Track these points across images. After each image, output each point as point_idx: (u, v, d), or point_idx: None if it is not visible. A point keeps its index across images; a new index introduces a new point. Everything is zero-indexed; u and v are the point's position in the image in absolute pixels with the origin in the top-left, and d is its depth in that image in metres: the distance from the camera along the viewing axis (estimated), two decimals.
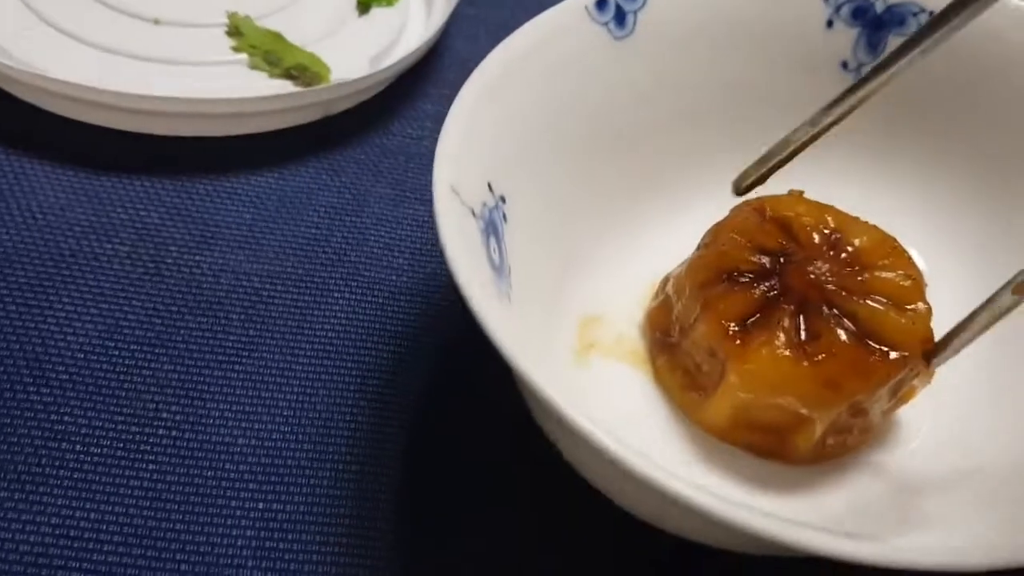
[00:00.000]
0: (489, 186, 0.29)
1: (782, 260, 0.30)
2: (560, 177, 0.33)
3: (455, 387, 0.33)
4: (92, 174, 0.37)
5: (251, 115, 0.38)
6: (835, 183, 0.35)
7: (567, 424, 0.22)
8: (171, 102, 0.36)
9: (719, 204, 0.37)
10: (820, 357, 0.28)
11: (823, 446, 0.30)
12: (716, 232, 0.32)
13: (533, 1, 0.49)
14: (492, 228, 0.28)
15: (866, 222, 0.32)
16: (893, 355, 0.28)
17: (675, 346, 0.31)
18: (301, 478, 0.30)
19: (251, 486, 0.30)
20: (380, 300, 0.35)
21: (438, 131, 0.41)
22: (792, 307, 0.29)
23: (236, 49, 0.40)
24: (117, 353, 0.32)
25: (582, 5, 0.33)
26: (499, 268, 0.28)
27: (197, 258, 0.35)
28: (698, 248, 0.32)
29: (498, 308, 0.24)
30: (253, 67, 0.40)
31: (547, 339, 0.32)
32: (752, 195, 0.33)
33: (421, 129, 0.42)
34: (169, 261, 0.35)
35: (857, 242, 0.31)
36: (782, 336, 0.28)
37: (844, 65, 0.36)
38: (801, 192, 0.33)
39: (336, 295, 0.35)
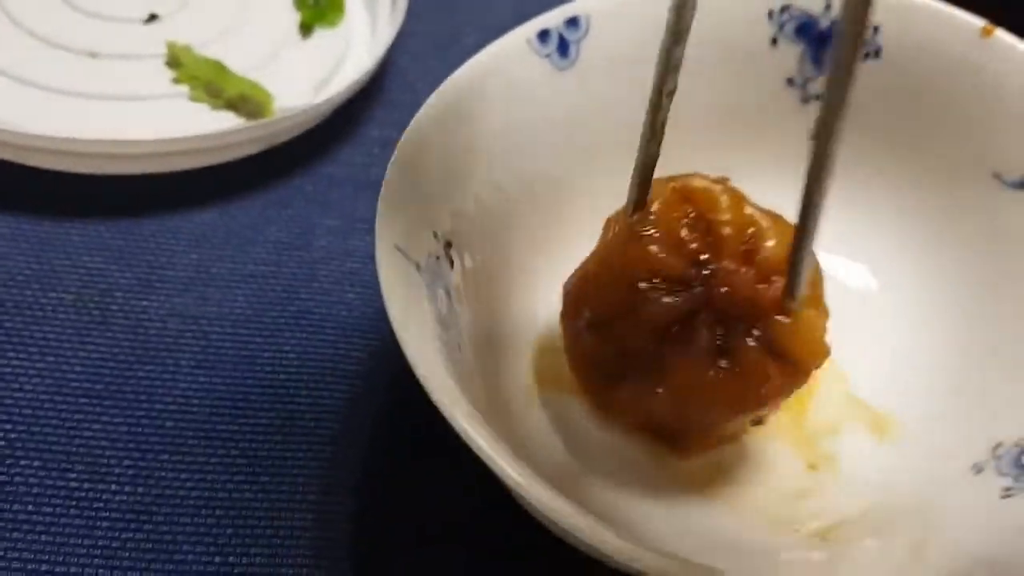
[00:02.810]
0: (434, 234, 0.29)
1: (705, 270, 0.29)
2: (507, 211, 0.33)
3: (410, 425, 0.33)
4: (31, 219, 0.36)
5: (194, 152, 0.37)
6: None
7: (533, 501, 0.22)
8: (112, 144, 0.35)
9: None
10: (734, 371, 0.28)
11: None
12: (637, 222, 0.31)
13: (479, 14, 0.49)
14: (438, 278, 0.28)
15: (776, 218, 0.31)
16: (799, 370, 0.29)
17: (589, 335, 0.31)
18: (257, 528, 0.30)
19: (207, 539, 0.30)
20: (332, 338, 0.35)
21: (385, 157, 0.40)
22: (710, 319, 0.29)
23: (176, 81, 0.39)
24: (66, 407, 0.32)
25: (524, 38, 0.32)
26: (446, 319, 0.28)
27: (144, 303, 0.35)
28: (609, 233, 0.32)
29: (448, 381, 0.24)
30: (194, 99, 0.39)
31: (502, 379, 0.32)
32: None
33: (368, 156, 0.41)
34: (115, 308, 0.34)
35: (770, 246, 0.30)
36: (702, 350, 0.28)
37: (790, 82, 0.37)
38: (725, 179, 0.32)
39: (287, 335, 0.35)
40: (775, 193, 0.37)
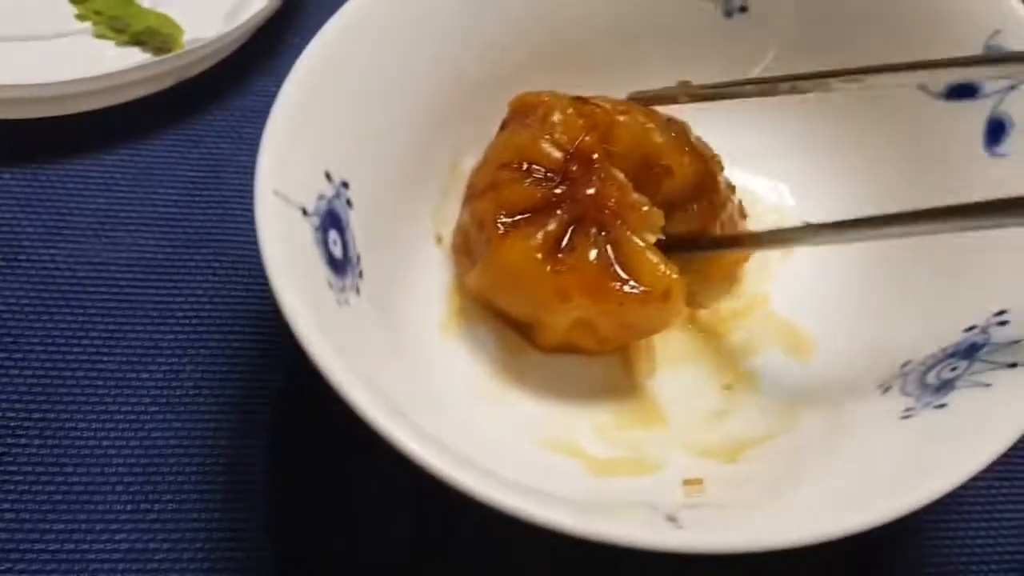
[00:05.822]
0: (327, 175, 0.28)
1: (583, 165, 0.30)
2: (412, 143, 0.32)
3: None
4: None
5: (101, 92, 0.36)
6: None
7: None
8: (13, 88, 0.34)
9: None
10: (563, 268, 0.29)
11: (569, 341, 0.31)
12: (533, 107, 0.32)
13: None
14: (332, 220, 0.27)
15: (700, 152, 0.32)
16: (629, 289, 0.29)
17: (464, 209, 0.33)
18: (169, 475, 0.30)
19: (118, 488, 0.30)
20: (245, 280, 0.34)
21: None
22: (566, 216, 0.30)
23: (80, 17, 0.38)
24: None
25: None
26: (342, 262, 0.27)
27: (52, 251, 0.34)
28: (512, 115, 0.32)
29: (324, 335, 0.24)
30: (99, 36, 0.38)
31: (409, 319, 0.31)
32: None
33: None
34: (23, 257, 0.34)
35: (673, 178, 0.32)
36: (540, 239, 0.29)
37: None
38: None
39: (199, 278, 0.34)
40: (700, 118, 0.37)
